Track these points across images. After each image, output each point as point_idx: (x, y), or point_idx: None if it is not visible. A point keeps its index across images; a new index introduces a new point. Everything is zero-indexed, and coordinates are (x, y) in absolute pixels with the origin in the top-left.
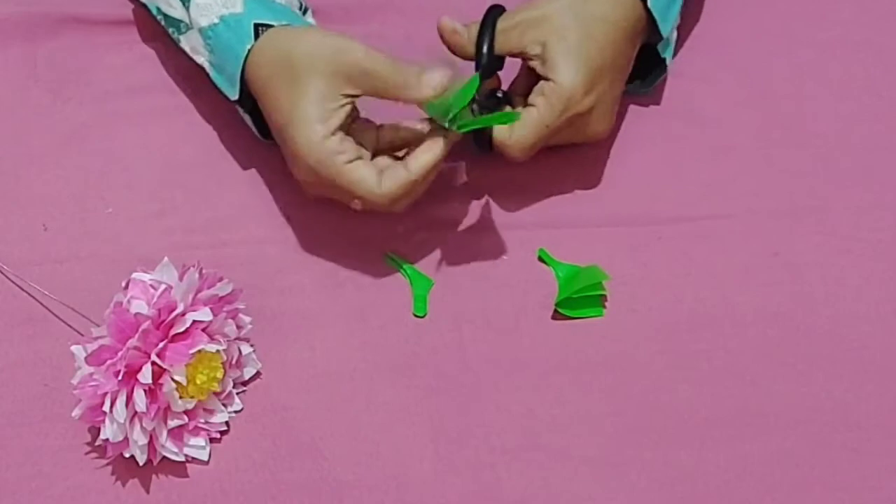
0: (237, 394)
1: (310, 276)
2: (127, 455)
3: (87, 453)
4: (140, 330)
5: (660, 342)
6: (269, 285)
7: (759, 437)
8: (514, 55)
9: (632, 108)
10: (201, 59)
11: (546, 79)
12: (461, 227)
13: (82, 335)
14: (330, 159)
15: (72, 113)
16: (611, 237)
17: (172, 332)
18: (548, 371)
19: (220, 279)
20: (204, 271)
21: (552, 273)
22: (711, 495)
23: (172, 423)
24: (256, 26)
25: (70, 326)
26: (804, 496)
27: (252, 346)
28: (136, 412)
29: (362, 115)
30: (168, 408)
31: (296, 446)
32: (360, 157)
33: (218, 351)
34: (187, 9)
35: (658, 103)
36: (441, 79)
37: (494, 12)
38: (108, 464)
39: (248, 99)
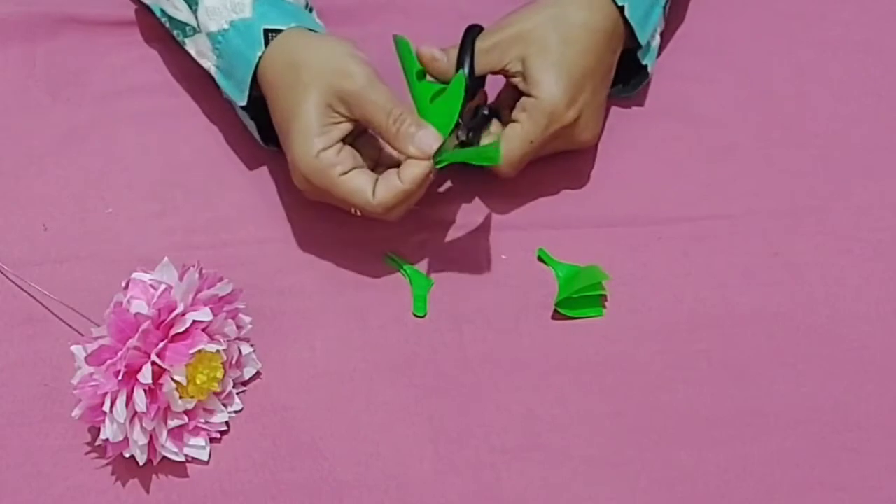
0: (237, 394)
1: (310, 276)
2: (127, 455)
3: (87, 453)
4: (140, 330)
5: (660, 342)
6: (269, 285)
7: (759, 437)
8: (495, 73)
9: (632, 108)
10: (207, 64)
11: (528, 95)
12: (461, 228)
13: (82, 335)
14: (324, 171)
15: (72, 113)
16: (611, 237)
17: (172, 332)
18: (548, 371)
19: (220, 279)
20: (204, 271)
21: (552, 273)
22: (711, 495)
23: (172, 423)
24: (266, 32)
25: (70, 326)
26: (804, 496)
27: (252, 346)
28: (136, 412)
29: None
30: (168, 408)
31: (296, 446)
32: (355, 168)
33: (218, 351)
34: (194, 12)
35: (658, 104)
36: (433, 144)
37: (473, 32)
38: (108, 464)
39: (253, 105)
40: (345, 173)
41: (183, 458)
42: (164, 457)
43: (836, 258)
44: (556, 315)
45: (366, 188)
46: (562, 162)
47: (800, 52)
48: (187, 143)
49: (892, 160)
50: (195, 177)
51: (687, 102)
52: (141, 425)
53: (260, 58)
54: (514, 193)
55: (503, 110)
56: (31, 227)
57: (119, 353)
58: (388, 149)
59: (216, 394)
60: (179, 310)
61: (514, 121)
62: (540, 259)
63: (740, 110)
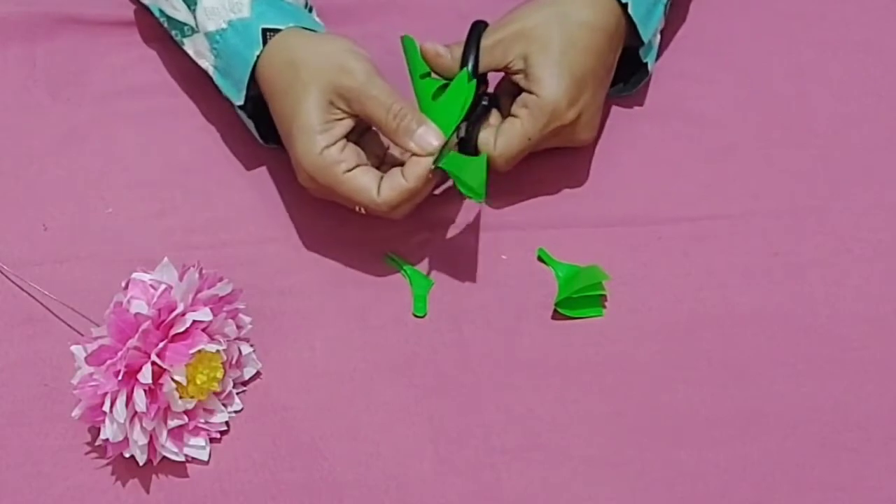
0: (237, 394)
1: (310, 276)
2: (127, 455)
3: (87, 453)
4: (140, 330)
5: (660, 342)
6: (269, 285)
7: (759, 437)
8: (498, 70)
9: (632, 108)
10: (205, 64)
11: (530, 92)
12: (461, 228)
13: (82, 335)
14: (328, 168)
15: (72, 113)
16: (611, 237)
17: (172, 332)
18: (548, 371)
19: (220, 279)
20: (204, 271)
21: (552, 273)
22: (711, 495)
23: (172, 423)
24: (264, 31)
25: (70, 326)
26: (804, 496)
27: (252, 346)
28: (136, 412)
29: None
30: (168, 408)
31: (296, 446)
32: (359, 165)
33: (218, 351)
34: (193, 12)
35: (658, 104)
36: (434, 141)
37: (478, 28)
38: (108, 464)
39: (251, 104)
40: (349, 171)
41: (183, 458)
42: (164, 457)
43: (836, 258)
44: (556, 315)
45: (370, 186)
46: (562, 161)
47: (800, 52)
48: (187, 143)
49: (892, 160)
50: (194, 177)
51: (687, 102)
52: (141, 425)
53: (258, 57)
54: (515, 193)
55: (503, 98)
56: (31, 227)
57: (119, 353)
58: (394, 147)
59: (216, 394)
60: (179, 310)
61: (513, 115)
62: (540, 259)
63: (740, 110)
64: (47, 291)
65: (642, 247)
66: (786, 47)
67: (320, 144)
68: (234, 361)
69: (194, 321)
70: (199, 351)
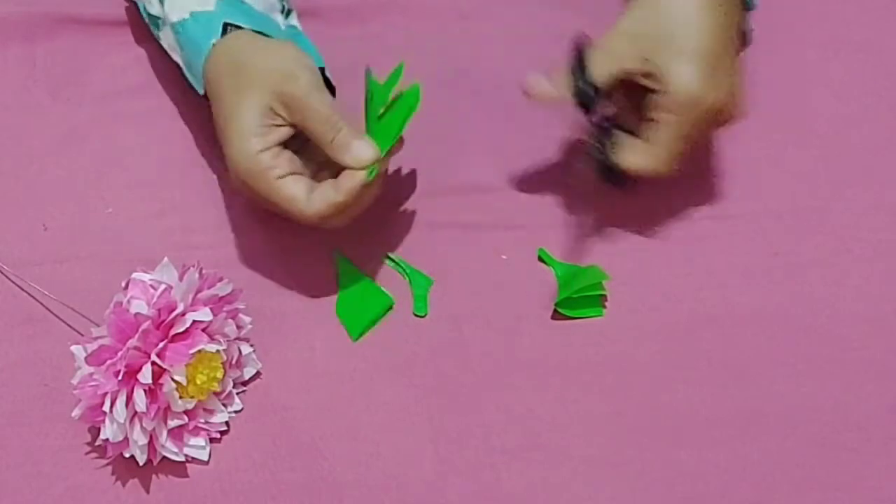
0: (237, 394)
1: (310, 275)
2: (127, 455)
3: (87, 453)
4: (140, 330)
5: (660, 342)
6: (269, 285)
7: (759, 437)
8: (617, 80)
9: None
10: (176, 57)
11: (659, 91)
12: (461, 228)
13: (82, 335)
14: (261, 174)
15: (72, 113)
16: (611, 237)
17: (172, 332)
18: (548, 371)
19: (220, 279)
20: (204, 271)
21: (552, 273)
22: (711, 495)
23: (172, 423)
24: (226, 25)
25: (70, 326)
26: (804, 496)
27: (252, 346)
28: (136, 412)
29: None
30: (168, 408)
31: (296, 446)
32: (292, 174)
33: (218, 351)
34: (162, 4)
35: None
36: (367, 155)
37: (581, 45)
38: (108, 464)
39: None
40: (281, 177)
41: (183, 458)
42: (164, 457)
43: (836, 258)
44: (556, 315)
45: (301, 196)
46: (562, 161)
47: (800, 52)
48: (187, 143)
49: (893, 160)
50: (194, 177)
51: None
52: (141, 425)
53: (214, 45)
54: (515, 193)
55: (626, 117)
56: (31, 227)
57: (119, 353)
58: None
59: (216, 394)
60: (179, 310)
61: (652, 120)
62: (540, 259)
63: None
64: (47, 291)
65: (642, 247)
66: (786, 47)
67: (255, 148)
68: (234, 361)
69: (194, 321)
70: (199, 351)
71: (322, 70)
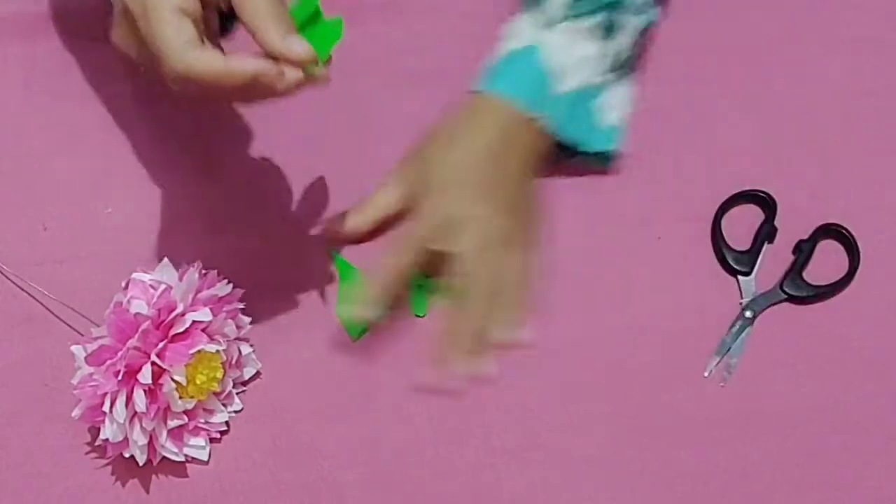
0: (237, 394)
1: (310, 275)
2: (127, 455)
3: (87, 453)
4: (140, 330)
5: (660, 342)
6: (269, 285)
7: (759, 437)
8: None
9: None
10: None
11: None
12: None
13: (82, 335)
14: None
15: (71, 113)
16: (611, 237)
17: (172, 332)
18: (548, 371)
19: (220, 279)
20: (204, 271)
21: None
22: (711, 495)
23: (172, 423)
24: None
25: (70, 326)
26: (804, 496)
27: (252, 346)
28: (136, 412)
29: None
30: (168, 408)
31: (296, 446)
32: (190, 20)
33: (218, 351)
34: None
35: (658, 103)
36: (305, 52)
37: None
38: (108, 464)
39: None
40: (173, 13)
41: (183, 458)
42: (164, 457)
43: (836, 258)
44: (557, 315)
45: (180, 40)
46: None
47: (800, 52)
48: (187, 143)
49: (893, 160)
50: (194, 177)
51: (687, 102)
52: (141, 425)
53: None
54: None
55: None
56: (31, 227)
57: (119, 353)
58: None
59: (216, 394)
60: (179, 310)
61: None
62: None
63: (740, 110)
64: (47, 291)
65: (642, 247)
66: (786, 47)
67: None
68: (234, 361)
69: (194, 321)
70: (199, 351)
71: None
